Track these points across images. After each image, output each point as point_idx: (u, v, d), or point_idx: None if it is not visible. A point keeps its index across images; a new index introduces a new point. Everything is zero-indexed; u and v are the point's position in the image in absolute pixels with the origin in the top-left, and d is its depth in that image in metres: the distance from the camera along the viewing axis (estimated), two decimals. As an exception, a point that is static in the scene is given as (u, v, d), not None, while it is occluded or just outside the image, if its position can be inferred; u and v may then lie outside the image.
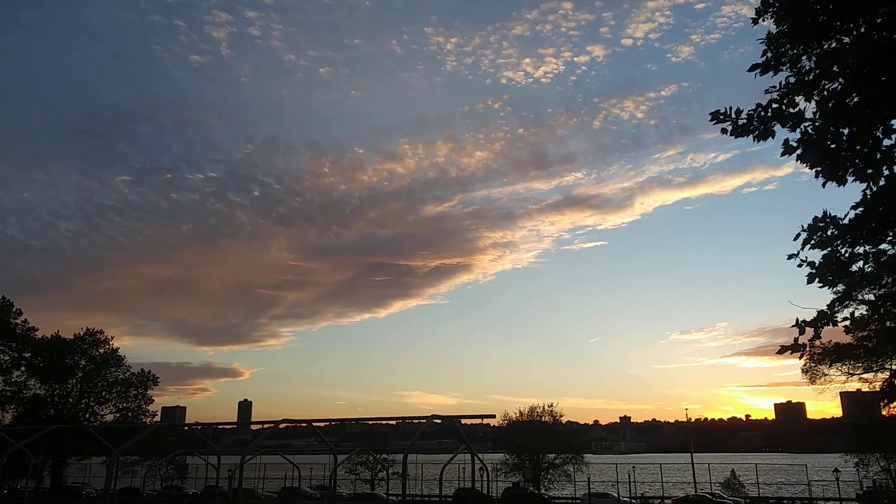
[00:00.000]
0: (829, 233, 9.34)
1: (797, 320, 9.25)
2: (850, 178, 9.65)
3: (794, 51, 9.74)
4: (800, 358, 9.31)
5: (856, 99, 8.80)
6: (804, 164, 9.44)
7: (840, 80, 8.69)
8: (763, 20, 10.20)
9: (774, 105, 9.73)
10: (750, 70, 9.96)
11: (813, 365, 43.49)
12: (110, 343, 74.30)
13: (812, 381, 45.24)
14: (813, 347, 9.55)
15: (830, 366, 41.86)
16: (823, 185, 9.51)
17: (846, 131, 9.34)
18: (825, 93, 9.45)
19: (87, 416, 72.20)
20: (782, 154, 9.70)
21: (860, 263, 9.63)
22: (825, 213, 9.35)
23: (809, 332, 9.29)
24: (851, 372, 42.54)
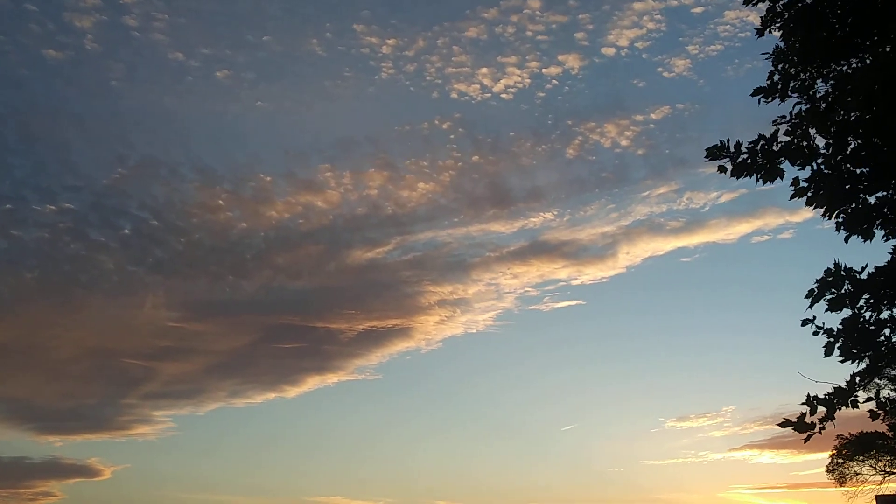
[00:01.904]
0: (843, 289, 9.10)
1: (808, 396, 9.04)
2: (877, 231, 9.31)
3: (806, 73, 9.57)
4: (805, 440, 8.96)
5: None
6: (815, 209, 9.43)
7: (855, 108, 8.34)
8: (770, 31, 10.16)
9: (782, 137, 9.59)
10: (753, 95, 9.90)
11: (840, 461, 41.88)
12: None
13: (840, 482, 43.84)
14: (842, 440, 8.97)
15: (863, 461, 40.82)
16: (846, 239, 9.14)
17: (867, 171, 8.95)
18: (841, 124, 9.32)
19: None
20: (792, 197, 9.64)
21: (887, 331, 9.35)
22: (838, 263, 9.17)
23: (822, 412, 9.08)
24: (889, 470, 41.29)
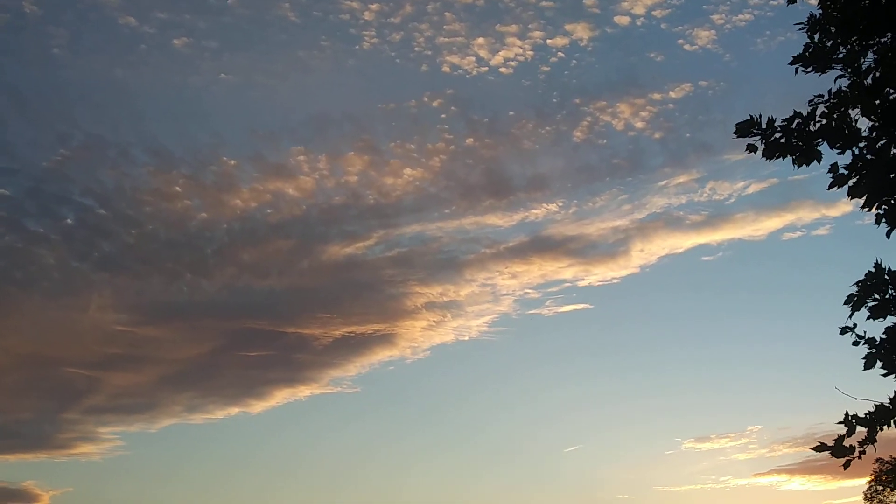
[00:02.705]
0: (888, 294, 8.72)
1: (846, 416, 8.65)
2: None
3: (847, 45, 9.23)
4: (845, 467, 8.58)
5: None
6: (854, 201, 8.98)
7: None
8: None
9: (821, 117, 9.09)
10: (792, 63, 9.36)
11: (880, 489, 41.06)
12: None
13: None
14: (882, 464, 8.56)
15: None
16: (888, 234, 8.88)
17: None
18: (888, 103, 8.89)
19: None
20: (830, 185, 9.09)
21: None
22: (879, 265, 8.75)
23: (863, 432, 8.67)
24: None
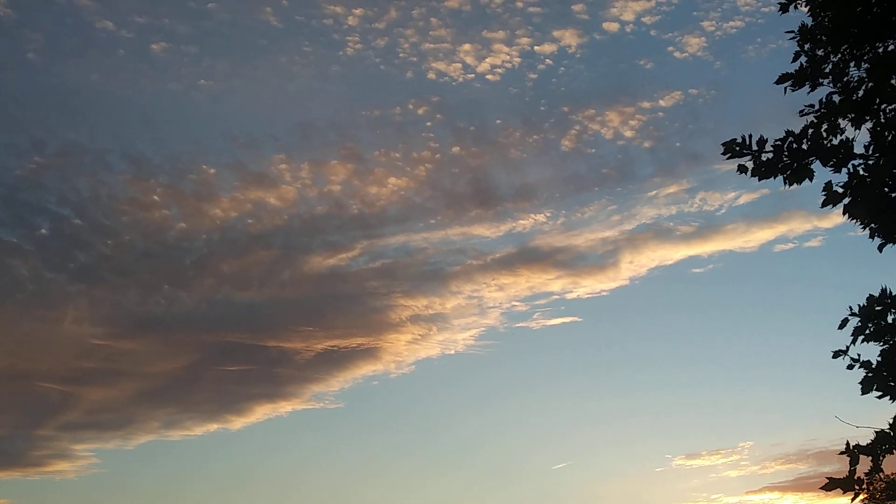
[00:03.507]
0: (889, 319, 8.92)
1: (847, 445, 8.89)
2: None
3: (837, 55, 9.51)
4: (853, 501, 8.85)
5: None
6: (852, 220, 9.25)
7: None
8: (796, 6, 9.99)
9: (812, 133, 9.36)
10: (778, 82, 9.73)
11: None
12: None
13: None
14: (873, 482, 8.96)
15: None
16: (880, 248, 8.97)
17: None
18: (882, 118, 9.18)
19: None
20: (824, 204, 9.33)
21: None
22: (885, 290, 8.96)
23: (867, 462, 8.94)
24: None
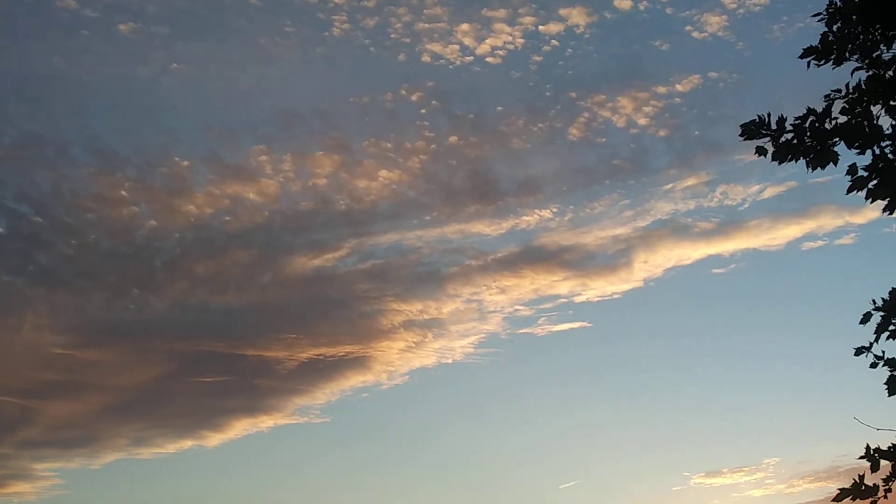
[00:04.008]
0: None
1: (867, 449, 8.71)
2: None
3: (868, 34, 9.21)
4: None
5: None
6: (872, 203, 9.15)
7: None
8: None
9: (840, 114, 9.17)
10: (802, 57, 9.41)
11: None
12: None
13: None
14: (891, 489, 8.77)
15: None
16: None
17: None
18: None
19: None
20: (849, 189, 9.18)
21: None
22: None
23: (887, 467, 8.77)
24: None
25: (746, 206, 56.00)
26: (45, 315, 58.55)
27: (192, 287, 58.29)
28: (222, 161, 57.76)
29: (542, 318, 59.21)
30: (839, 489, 8.62)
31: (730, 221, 56.36)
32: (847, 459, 53.09)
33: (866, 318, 9.14)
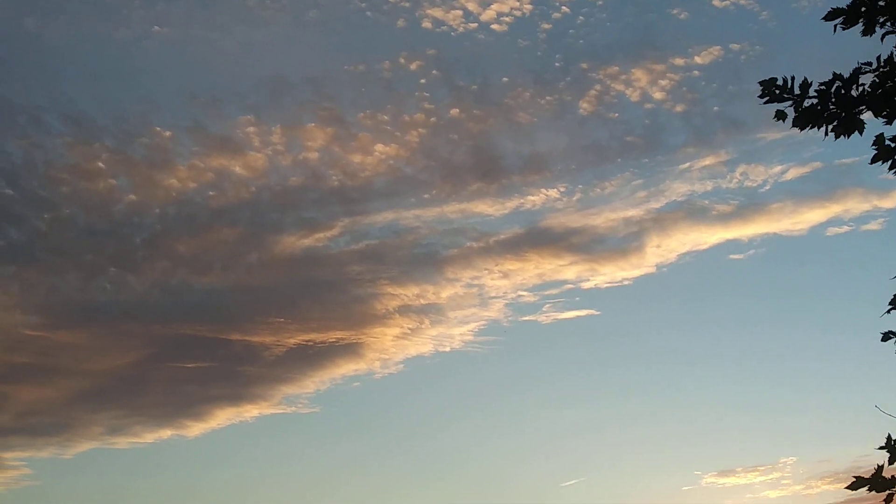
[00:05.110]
0: None
1: (889, 439, 8.82)
2: None
3: None
4: (887, 501, 8.73)
5: None
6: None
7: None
8: None
9: (870, 87, 9.16)
10: (827, 18, 9.34)
11: None
12: None
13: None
14: None
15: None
16: None
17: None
18: None
19: None
20: (874, 159, 9.25)
21: None
22: None
23: None
24: None
25: (768, 187, 55.77)
26: (16, 294, 58.05)
27: (174, 266, 58.04)
28: (207, 132, 57.51)
29: (547, 305, 59.09)
30: (854, 477, 8.62)
31: (749, 204, 56.11)
32: (870, 459, 52.77)
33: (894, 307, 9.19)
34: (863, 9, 9.37)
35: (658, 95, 53.80)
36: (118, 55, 57.92)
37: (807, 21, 50.81)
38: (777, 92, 9.29)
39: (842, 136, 9.27)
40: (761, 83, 9.30)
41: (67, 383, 60.25)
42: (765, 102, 9.33)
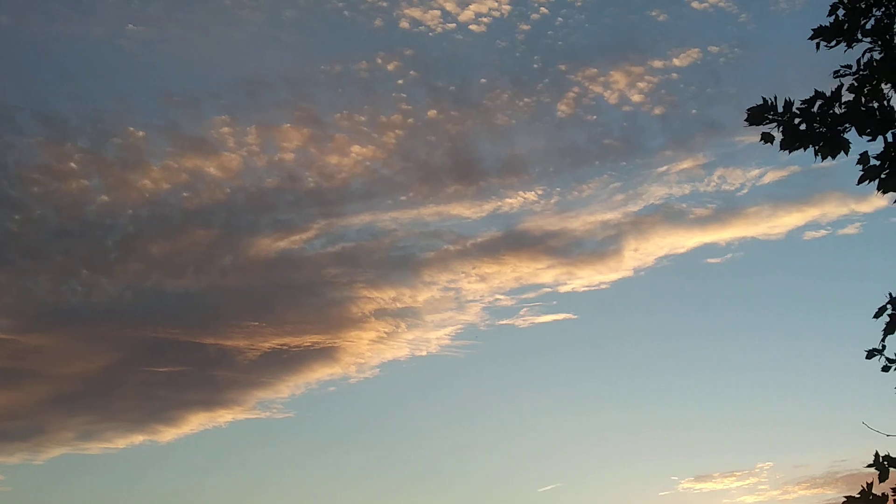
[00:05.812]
0: None
1: (876, 457, 8.84)
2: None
3: (882, 9, 9.30)
4: None
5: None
6: (890, 195, 9.21)
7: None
8: None
9: (849, 91, 9.28)
10: (812, 38, 9.52)
11: None
12: None
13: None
14: None
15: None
16: None
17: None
18: None
19: None
20: (860, 180, 9.29)
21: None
22: None
23: None
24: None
25: (745, 191, 56.15)
26: (-15, 298, 58.56)
27: (147, 269, 57.67)
28: (181, 132, 57.26)
29: (525, 309, 59.26)
30: (846, 497, 8.70)
31: (727, 208, 56.58)
32: (846, 465, 53.45)
33: (881, 312, 9.23)
34: (845, 26, 9.52)
35: (636, 98, 53.99)
36: (92, 54, 57.49)
37: (786, 23, 51.10)
38: (762, 115, 9.34)
39: (828, 157, 9.29)
40: (749, 111, 9.33)
41: (38, 387, 59.75)
42: (751, 126, 9.36)
